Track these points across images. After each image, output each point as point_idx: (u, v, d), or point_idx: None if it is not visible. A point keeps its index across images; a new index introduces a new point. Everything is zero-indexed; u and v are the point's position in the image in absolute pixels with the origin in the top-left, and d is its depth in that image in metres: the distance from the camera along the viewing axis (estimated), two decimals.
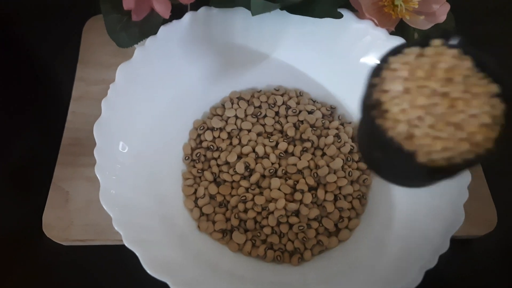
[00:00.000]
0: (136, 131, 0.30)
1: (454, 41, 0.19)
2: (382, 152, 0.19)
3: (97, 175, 0.25)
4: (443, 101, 0.17)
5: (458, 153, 0.17)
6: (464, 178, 0.27)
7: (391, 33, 0.32)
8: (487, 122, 0.17)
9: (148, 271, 0.23)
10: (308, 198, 0.31)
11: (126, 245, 0.23)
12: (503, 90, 0.18)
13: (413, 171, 0.18)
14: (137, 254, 0.23)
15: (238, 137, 0.35)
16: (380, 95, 0.18)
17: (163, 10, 0.30)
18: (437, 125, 0.17)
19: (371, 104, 0.18)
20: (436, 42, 0.19)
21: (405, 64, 0.19)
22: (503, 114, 0.18)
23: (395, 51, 0.19)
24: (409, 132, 0.18)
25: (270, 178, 0.32)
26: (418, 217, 0.29)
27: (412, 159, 0.17)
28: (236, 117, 0.35)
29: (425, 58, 0.19)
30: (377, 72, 0.19)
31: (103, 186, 0.25)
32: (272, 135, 0.35)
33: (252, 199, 0.32)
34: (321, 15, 0.31)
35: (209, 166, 0.34)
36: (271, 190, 0.32)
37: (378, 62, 0.19)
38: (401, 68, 0.18)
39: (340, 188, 0.32)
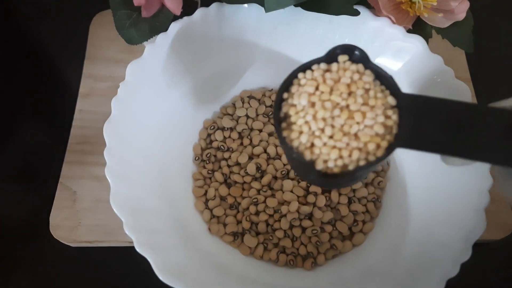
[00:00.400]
0: (146, 130, 0.29)
1: (356, 56, 0.21)
2: (292, 159, 0.21)
3: (108, 178, 0.24)
4: (343, 114, 0.19)
5: (351, 161, 0.19)
6: (485, 181, 0.26)
7: (408, 31, 0.31)
8: (380, 132, 0.19)
9: (160, 278, 0.23)
10: (321, 201, 0.30)
11: (138, 250, 0.23)
12: (397, 102, 0.20)
13: (315, 176, 0.20)
14: (149, 259, 0.23)
15: (249, 137, 0.34)
16: (288, 109, 0.20)
17: (175, 6, 0.29)
18: (336, 136, 0.19)
19: (281, 117, 0.20)
20: (342, 57, 0.21)
21: (312, 80, 0.20)
22: (396, 124, 0.19)
23: (304, 67, 0.21)
24: (310, 142, 0.19)
25: (282, 180, 0.32)
26: (436, 223, 0.28)
27: (312, 166, 0.19)
28: (247, 116, 0.35)
29: (330, 73, 0.20)
30: (286, 87, 0.21)
31: (114, 189, 0.24)
32: None
33: (264, 202, 0.31)
34: (336, 12, 0.30)
35: (220, 167, 0.33)
36: (283, 192, 0.31)
37: (288, 77, 0.21)
38: (307, 83, 0.20)
39: (354, 190, 0.31)
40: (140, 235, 0.23)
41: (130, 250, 0.24)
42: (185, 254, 0.26)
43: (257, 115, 0.35)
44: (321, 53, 0.21)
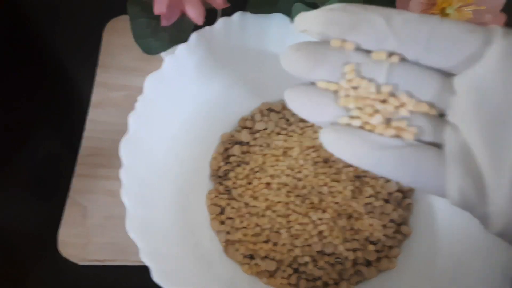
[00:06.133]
0: (162, 146, 0.28)
1: None
2: None
3: (124, 200, 0.23)
4: None
5: None
6: None
7: None
8: None
9: None
10: None
11: (155, 279, 0.21)
12: None
13: None
14: None
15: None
16: None
17: (196, 15, 0.27)
18: None
19: None
20: None
21: None
22: None
23: None
24: None
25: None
26: (468, 251, 0.26)
27: None
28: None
29: None
30: None
31: (131, 213, 0.22)
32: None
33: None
34: None
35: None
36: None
37: None
38: None
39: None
40: (158, 264, 0.22)
41: (142, 270, 0.23)
42: (201, 281, 0.24)
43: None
44: None
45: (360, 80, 0.17)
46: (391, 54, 0.17)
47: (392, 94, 0.17)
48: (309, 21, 0.17)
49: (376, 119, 0.17)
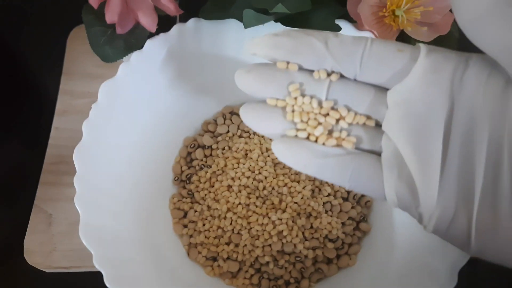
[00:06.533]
0: (120, 153, 0.28)
1: None
2: None
3: (77, 207, 0.23)
4: None
5: None
6: None
7: None
8: None
9: None
10: None
11: (107, 285, 0.22)
12: None
13: None
14: None
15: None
16: None
17: (149, 23, 0.28)
18: None
19: None
20: None
21: None
22: None
23: None
24: None
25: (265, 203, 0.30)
26: (421, 247, 0.27)
27: None
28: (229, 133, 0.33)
29: None
30: None
31: (84, 220, 0.23)
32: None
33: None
34: (317, 28, 0.29)
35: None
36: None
37: None
38: None
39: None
40: (111, 269, 0.22)
41: None
42: (161, 285, 0.25)
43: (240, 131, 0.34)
44: None
45: (303, 97, 0.19)
46: (331, 72, 0.19)
47: (333, 108, 0.19)
48: (257, 46, 0.19)
49: (318, 131, 0.19)
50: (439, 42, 0.31)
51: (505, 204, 0.16)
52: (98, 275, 0.30)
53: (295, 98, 0.19)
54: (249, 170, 0.32)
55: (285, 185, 0.31)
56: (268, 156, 0.32)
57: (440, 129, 0.17)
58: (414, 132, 0.18)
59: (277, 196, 0.31)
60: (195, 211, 0.31)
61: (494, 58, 0.17)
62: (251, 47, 0.19)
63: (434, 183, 0.17)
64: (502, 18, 0.15)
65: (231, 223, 0.30)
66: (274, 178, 0.31)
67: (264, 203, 0.30)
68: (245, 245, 0.30)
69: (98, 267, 0.22)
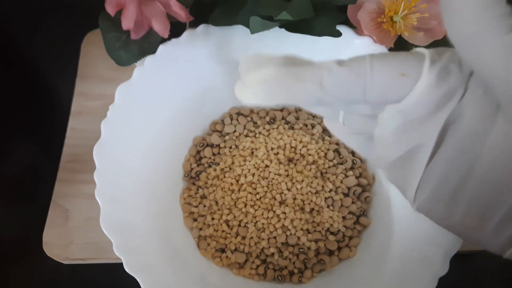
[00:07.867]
0: (136, 151, 0.30)
1: None
2: None
3: (98, 200, 0.25)
4: None
5: None
6: None
7: (390, 50, 0.32)
8: None
9: None
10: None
11: (127, 270, 0.23)
12: None
13: None
14: (138, 280, 0.23)
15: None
16: None
17: (162, 29, 0.30)
18: None
19: None
20: None
21: None
22: None
23: None
24: None
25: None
26: (417, 238, 0.28)
27: None
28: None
29: None
30: None
31: (104, 211, 0.25)
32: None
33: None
34: (319, 34, 0.31)
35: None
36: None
37: None
38: None
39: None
40: (130, 256, 0.24)
41: (121, 267, 0.25)
42: (174, 273, 0.27)
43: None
44: None
45: None
46: None
47: None
48: (249, 99, 0.18)
49: None
50: (435, 46, 0.33)
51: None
52: (111, 267, 0.33)
53: None
54: (255, 167, 0.33)
55: (290, 181, 0.33)
56: (273, 154, 0.34)
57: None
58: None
59: (281, 192, 0.32)
60: (204, 205, 0.33)
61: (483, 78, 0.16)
62: (242, 99, 0.18)
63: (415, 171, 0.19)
64: (490, 37, 0.15)
65: (238, 217, 0.32)
66: (279, 175, 0.33)
67: (269, 198, 0.32)
68: (252, 238, 0.31)
69: (118, 254, 0.24)
